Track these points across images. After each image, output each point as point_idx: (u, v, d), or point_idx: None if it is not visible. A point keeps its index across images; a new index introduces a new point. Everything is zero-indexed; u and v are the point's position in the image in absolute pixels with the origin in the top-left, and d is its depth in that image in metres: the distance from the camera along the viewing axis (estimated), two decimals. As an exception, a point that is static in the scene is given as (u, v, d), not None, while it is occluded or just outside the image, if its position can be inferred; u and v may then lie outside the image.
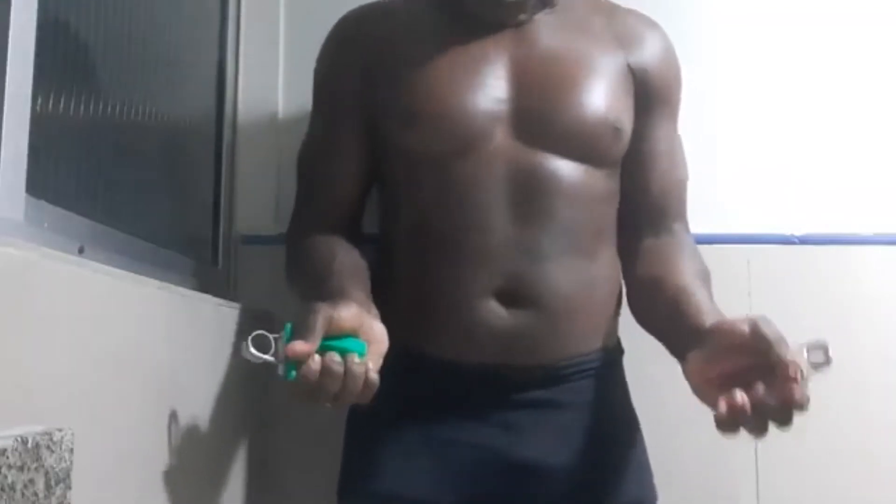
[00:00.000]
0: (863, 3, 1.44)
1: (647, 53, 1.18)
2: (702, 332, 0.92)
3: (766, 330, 0.84)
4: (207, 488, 1.10)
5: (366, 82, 1.14)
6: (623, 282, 1.17)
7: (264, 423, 1.31)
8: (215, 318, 1.12)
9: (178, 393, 0.96)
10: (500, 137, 1.08)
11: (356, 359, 0.85)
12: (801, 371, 0.81)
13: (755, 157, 1.42)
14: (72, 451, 0.63)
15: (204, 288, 1.17)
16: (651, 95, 1.17)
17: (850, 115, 1.42)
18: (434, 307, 1.09)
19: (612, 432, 1.13)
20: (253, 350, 0.85)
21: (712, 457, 1.32)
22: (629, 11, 1.21)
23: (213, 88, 1.36)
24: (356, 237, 1.16)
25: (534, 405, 1.08)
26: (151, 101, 1.08)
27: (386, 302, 1.02)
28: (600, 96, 1.11)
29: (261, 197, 1.40)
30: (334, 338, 0.86)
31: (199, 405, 1.03)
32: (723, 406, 0.82)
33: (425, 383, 1.09)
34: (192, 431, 0.99)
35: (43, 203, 0.75)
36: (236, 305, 1.19)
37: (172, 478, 0.92)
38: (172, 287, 0.98)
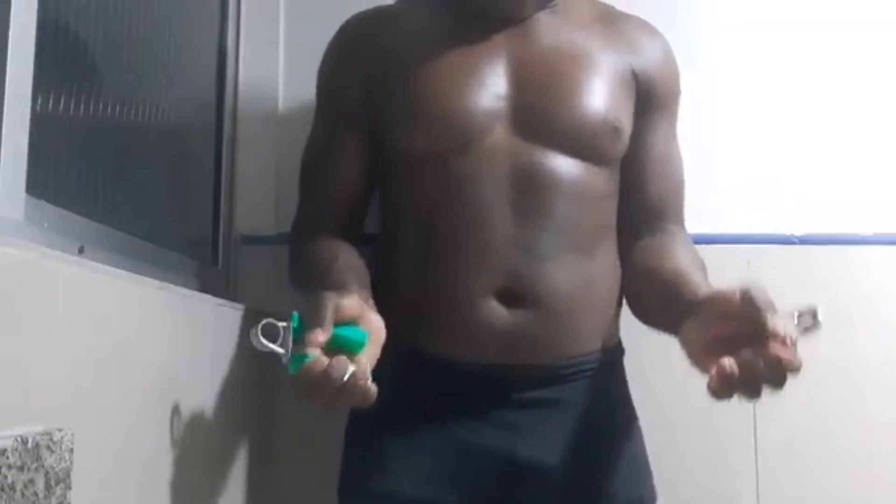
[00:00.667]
0: (861, 5, 1.44)
1: (649, 58, 1.19)
2: (696, 303, 0.94)
3: (756, 296, 0.85)
4: (208, 488, 1.10)
5: (367, 88, 1.15)
6: (622, 278, 1.17)
7: (264, 423, 1.31)
8: (215, 318, 1.12)
9: (178, 393, 0.96)
10: (500, 134, 1.09)
11: (360, 361, 0.86)
12: (788, 335, 0.83)
13: (755, 157, 1.42)
14: (72, 451, 0.63)
15: (204, 288, 1.17)
16: (651, 100, 1.18)
17: (849, 116, 1.42)
18: (434, 306, 1.09)
19: (612, 432, 1.13)
20: (262, 339, 0.85)
21: (712, 457, 1.32)
22: (630, 17, 1.22)
23: (212, 88, 1.36)
24: (358, 238, 1.17)
25: (534, 405, 1.09)
26: (151, 101, 1.08)
27: (387, 301, 1.02)
28: (600, 95, 1.12)
29: (261, 197, 1.40)
30: (338, 325, 0.87)
31: (199, 405, 1.03)
32: (713, 373, 0.83)
33: (426, 382, 1.09)
34: (192, 431, 0.99)
35: (43, 203, 0.75)
36: (236, 305, 1.19)
37: (172, 478, 0.92)
38: (172, 287, 0.98)
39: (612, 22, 1.20)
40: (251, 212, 1.40)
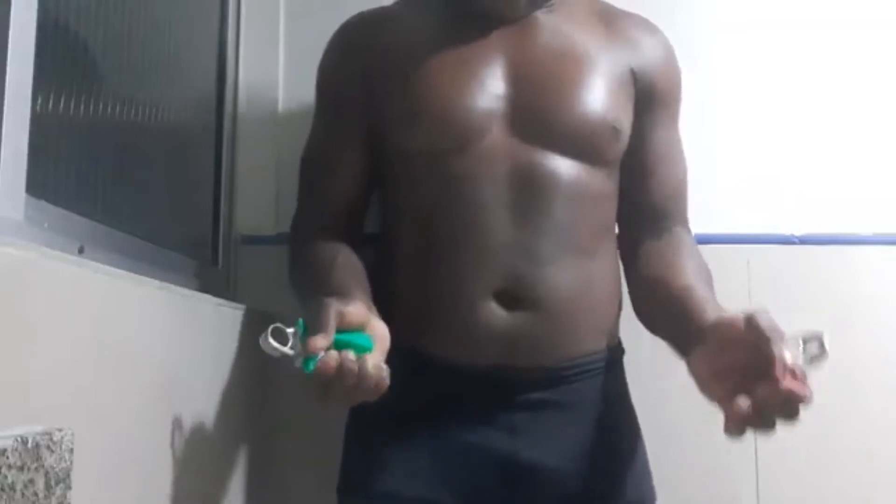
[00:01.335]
0: (861, 5, 1.44)
1: (649, 57, 1.18)
2: (703, 329, 0.93)
3: (761, 324, 0.84)
4: (208, 488, 1.10)
5: (367, 88, 1.15)
6: (626, 283, 1.17)
7: (264, 422, 1.31)
8: (215, 318, 1.12)
9: (178, 393, 0.96)
10: (499, 135, 1.09)
11: (369, 357, 0.86)
12: (790, 365, 0.82)
13: (755, 157, 1.42)
14: (72, 451, 0.63)
15: (204, 288, 1.17)
16: (652, 99, 1.17)
17: (849, 116, 1.42)
18: (434, 307, 1.09)
19: (612, 433, 1.13)
20: (273, 342, 0.85)
21: (712, 457, 1.32)
22: (630, 15, 1.21)
23: (212, 88, 1.36)
24: (357, 239, 1.17)
25: (534, 406, 1.08)
26: (151, 101, 1.08)
27: (388, 301, 1.02)
28: (599, 95, 1.12)
29: (261, 197, 1.40)
30: (343, 332, 0.87)
31: (199, 405, 1.03)
32: (729, 415, 0.83)
33: (426, 383, 1.08)
34: (192, 431, 0.99)
35: (43, 203, 0.75)
36: (236, 305, 1.19)
37: (172, 477, 0.92)
38: (172, 287, 0.98)
39: (612, 20, 1.19)
40: (251, 212, 1.40)
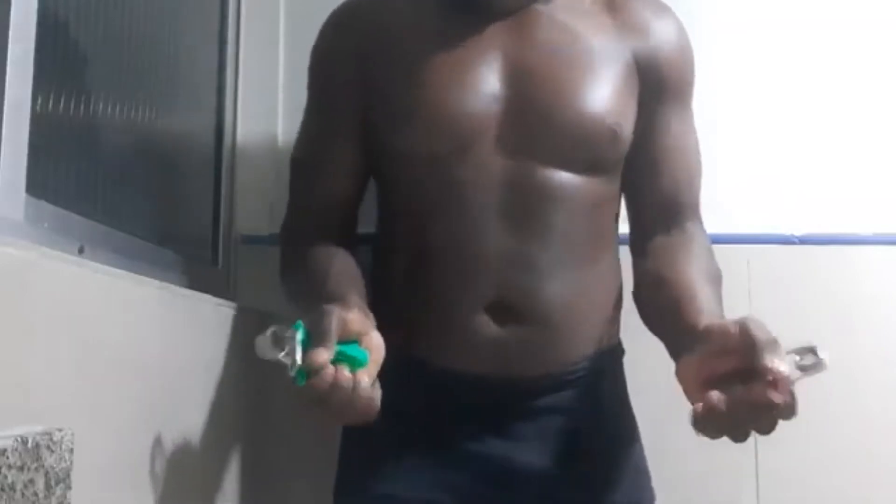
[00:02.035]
0: (861, 5, 1.44)
1: (656, 41, 1.12)
2: (696, 334, 0.89)
3: (754, 332, 0.80)
4: (206, 488, 1.10)
5: (361, 72, 1.11)
6: (632, 277, 1.13)
7: (263, 423, 1.31)
8: (215, 318, 1.12)
9: (177, 392, 0.96)
10: (494, 141, 1.05)
11: (363, 376, 0.84)
12: (778, 375, 0.76)
13: (755, 157, 1.42)
14: (72, 451, 0.63)
15: (204, 288, 1.17)
16: (661, 86, 1.11)
17: (849, 116, 1.42)
18: (428, 315, 1.07)
19: (611, 434, 1.12)
20: (270, 347, 0.82)
21: (712, 458, 1.32)
22: None
23: (213, 88, 1.36)
24: (352, 237, 1.14)
25: (531, 412, 1.07)
26: (151, 102, 1.08)
27: (384, 304, 1.01)
28: (598, 96, 1.07)
29: (260, 197, 1.40)
30: (341, 342, 0.85)
31: (198, 405, 1.03)
32: (698, 406, 0.79)
33: (423, 389, 1.08)
34: (191, 431, 0.99)
35: (43, 203, 0.75)
36: (236, 305, 1.19)
37: (172, 477, 0.92)
38: (172, 287, 0.98)
39: (617, 6, 1.13)
40: (251, 212, 1.40)
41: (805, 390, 1.26)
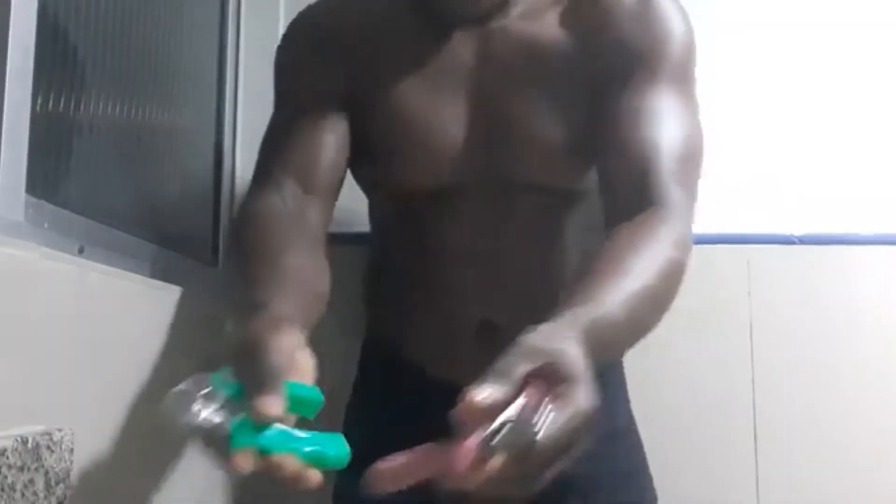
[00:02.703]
0: (860, 5, 1.44)
1: (618, 29, 1.01)
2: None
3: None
4: (207, 489, 1.10)
5: (342, 79, 1.04)
6: None
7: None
8: (215, 318, 1.12)
9: (178, 393, 0.95)
10: (461, 175, 1.00)
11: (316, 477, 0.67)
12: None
13: (755, 157, 1.42)
14: (72, 451, 0.63)
15: (204, 288, 1.17)
16: (622, 70, 0.98)
17: (849, 116, 1.42)
18: (421, 332, 1.07)
19: (611, 433, 1.12)
20: (187, 410, 0.62)
21: (712, 457, 1.32)
22: None
23: (213, 88, 1.36)
24: (324, 217, 1.01)
25: None
26: (151, 101, 1.08)
27: (383, 303, 1.01)
28: (556, 125, 0.99)
29: (261, 197, 1.39)
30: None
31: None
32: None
33: (421, 396, 1.07)
34: (192, 431, 0.99)
35: (43, 203, 0.75)
36: (236, 305, 1.19)
37: (172, 478, 0.92)
38: (172, 287, 0.98)
39: (576, 2, 1.03)
40: (251, 212, 1.39)
41: (806, 390, 1.27)
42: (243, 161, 1.41)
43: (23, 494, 0.56)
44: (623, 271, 0.79)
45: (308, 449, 0.65)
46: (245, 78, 1.42)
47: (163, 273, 1.02)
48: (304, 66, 1.07)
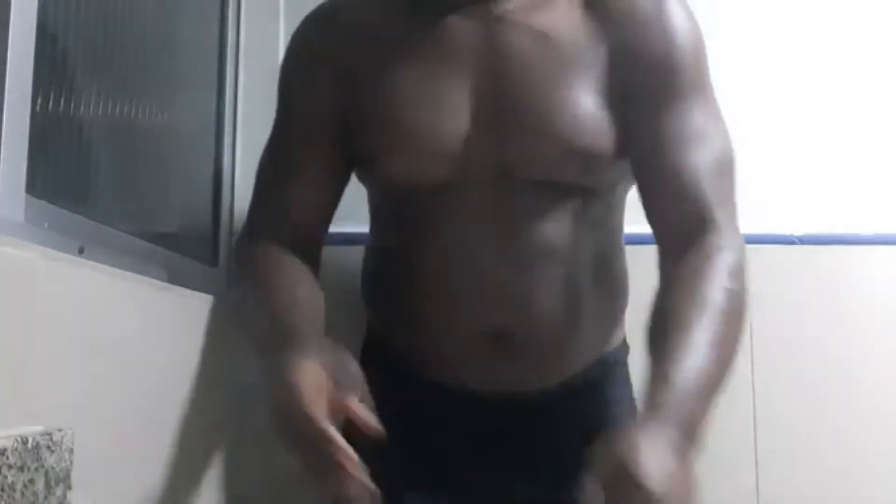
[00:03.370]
0: (861, 5, 1.44)
1: (632, 32, 0.99)
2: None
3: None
4: (208, 486, 1.10)
5: (340, 82, 1.05)
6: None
7: (265, 423, 1.31)
8: (215, 318, 1.12)
9: (178, 392, 0.96)
10: (471, 172, 0.99)
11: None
12: None
13: (755, 157, 1.42)
14: (72, 451, 0.63)
15: (204, 288, 1.17)
16: (647, 78, 0.98)
17: (850, 116, 1.42)
18: (423, 334, 1.06)
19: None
20: None
21: (712, 458, 1.32)
22: None
23: (213, 88, 1.36)
24: (318, 249, 1.06)
25: (531, 418, 1.07)
26: (151, 101, 1.08)
27: (383, 304, 1.01)
28: (568, 119, 0.97)
29: (261, 197, 1.39)
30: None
31: (198, 404, 1.03)
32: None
33: (422, 403, 1.07)
34: (192, 430, 0.99)
35: (43, 203, 0.75)
36: (236, 305, 1.19)
37: (172, 477, 0.92)
38: (172, 287, 0.98)
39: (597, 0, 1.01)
40: (251, 212, 1.39)
41: (806, 390, 1.27)
42: (243, 161, 1.41)
43: (23, 494, 0.56)
44: (697, 342, 0.84)
45: None
46: (245, 78, 1.42)
47: (163, 273, 1.02)
48: (299, 85, 1.09)
